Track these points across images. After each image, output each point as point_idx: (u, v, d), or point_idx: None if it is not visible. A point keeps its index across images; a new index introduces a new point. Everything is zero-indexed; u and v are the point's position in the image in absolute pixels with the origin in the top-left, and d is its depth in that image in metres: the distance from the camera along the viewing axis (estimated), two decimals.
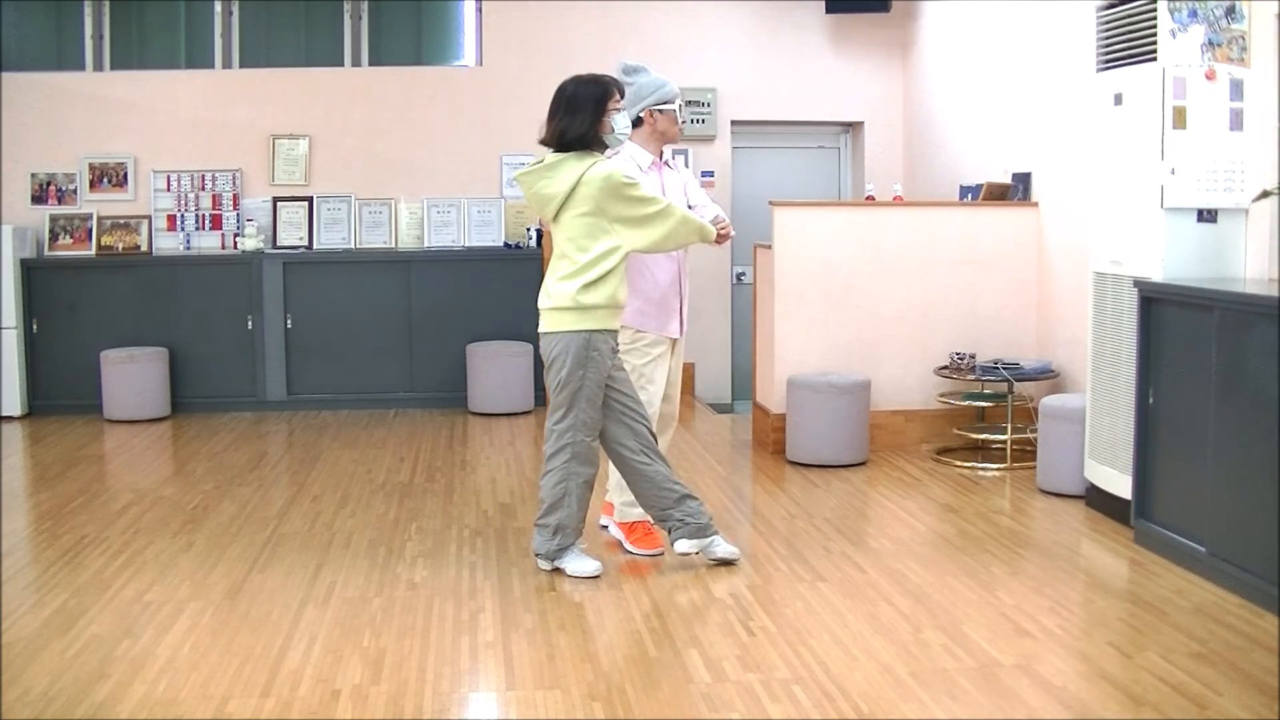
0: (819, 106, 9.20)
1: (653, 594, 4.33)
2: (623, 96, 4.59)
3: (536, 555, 4.59)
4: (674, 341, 4.99)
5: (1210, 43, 4.83)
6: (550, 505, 4.53)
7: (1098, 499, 5.35)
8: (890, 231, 6.80)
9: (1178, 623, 3.97)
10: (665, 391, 4.97)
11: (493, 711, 3.44)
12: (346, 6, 8.92)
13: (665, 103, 4.88)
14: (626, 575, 4.55)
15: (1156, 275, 4.87)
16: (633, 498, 4.81)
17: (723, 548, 4.64)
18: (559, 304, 4.46)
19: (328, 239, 8.71)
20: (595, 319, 4.45)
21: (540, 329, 4.57)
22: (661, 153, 4.97)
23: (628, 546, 4.82)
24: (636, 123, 4.88)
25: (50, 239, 8.54)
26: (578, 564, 4.53)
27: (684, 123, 5.06)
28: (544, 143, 4.54)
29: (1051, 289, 6.73)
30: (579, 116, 4.46)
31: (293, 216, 8.72)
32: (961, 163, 7.97)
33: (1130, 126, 5.03)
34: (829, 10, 8.96)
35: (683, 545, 4.59)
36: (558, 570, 4.55)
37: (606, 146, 4.55)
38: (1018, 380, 6.27)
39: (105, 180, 8.68)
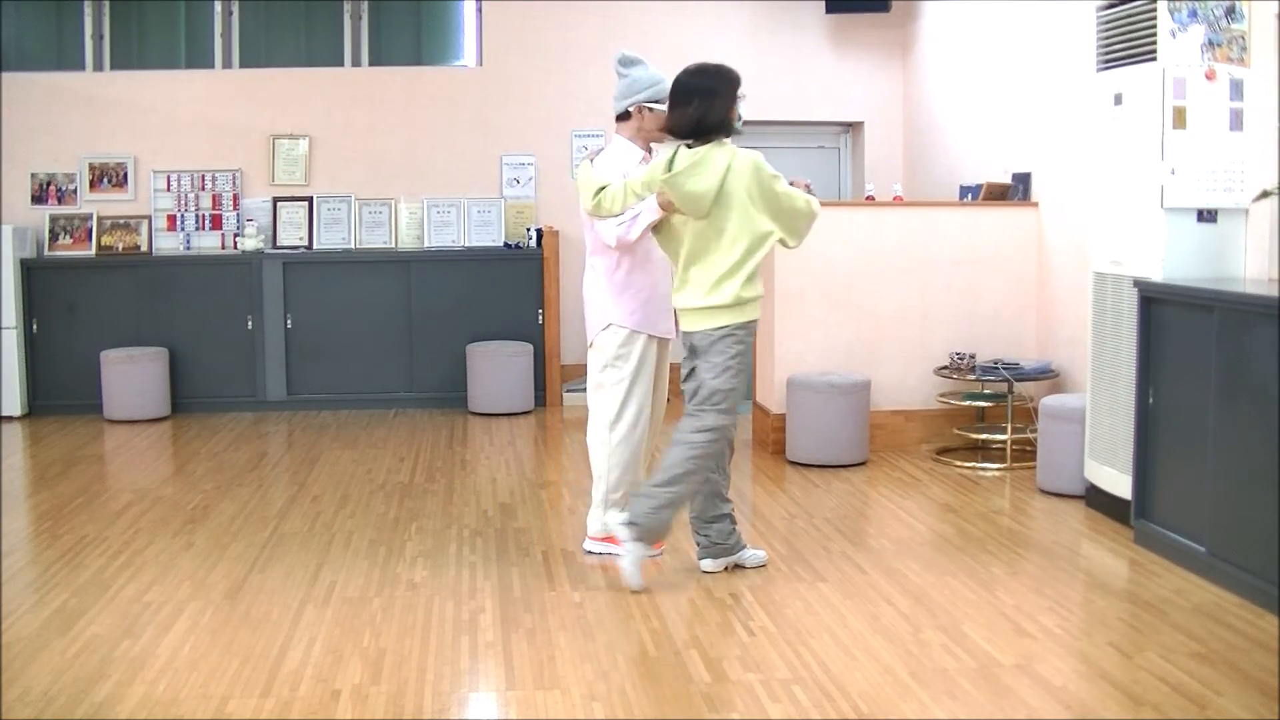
0: (819, 106, 9.20)
1: (653, 594, 4.33)
2: (739, 85, 4.52)
3: (631, 524, 4.34)
4: (666, 342, 4.94)
5: (1210, 43, 4.83)
6: (673, 477, 4.36)
7: (1098, 499, 5.35)
8: (890, 231, 6.80)
9: (1178, 623, 3.97)
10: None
11: (493, 711, 3.44)
12: (346, 6, 8.92)
13: (658, 101, 4.71)
14: None
15: (1156, 275, 4.87)
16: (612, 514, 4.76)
17: (750, 558, 4.62)
18: (720, 302, 4.35)
19: (328, 239, 8.71)
20: (751, 311, 4.43)
21: (691, 327, 4.44)
22: (650, 149, 4.82)
23: (622, 553, 4.75)
24: (625, 116, 4.78)
25: (50, 239, 8.54)
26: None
27: None
28: (675, 131, 4.44)
29: (1051, 289, 6.73)
30: (717, 101, 4.37)
31: (293, 216, 8.72)
32: (961, 163, 7.97)
33: (1130, 126, 5.03)
34: (829, 10, 8.96)
35: (706, 564, 4.57)
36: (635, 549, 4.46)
37: (736, 134, 4.48)
38: (1018, 380, 6.27)
39: (105, 180, 8.68)
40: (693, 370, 4.48)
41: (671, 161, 4.39)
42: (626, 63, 4.80)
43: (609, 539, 4.76)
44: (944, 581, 4.44)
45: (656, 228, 4.53)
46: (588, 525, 4.88)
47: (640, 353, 4.76)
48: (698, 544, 4.59)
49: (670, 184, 4.35)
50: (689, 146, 4.42)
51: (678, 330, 4.90)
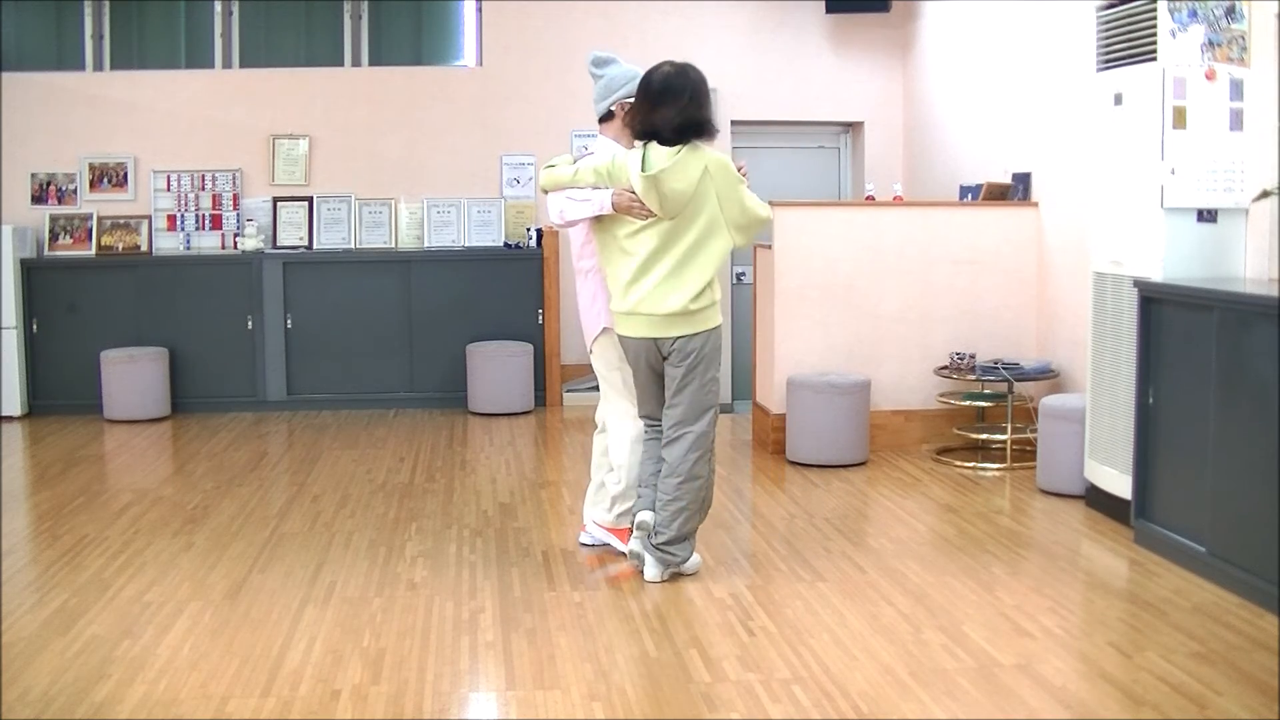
0: (819, 106, 9.20)
1: (653, 594, 4.33)
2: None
3: (669, 567, 4.43)
4: None
5: (1210, 43, 4.83)
6: (696, 512, 4.44)
7: (1098, 499, 5.35)
8: (890, 231, 6.80)
9: (1178, 623, 3.97)
10: None
11: (493, 711, 3.44)
12: (346, 6, 8.92)
13: None
14: (626, 575, 4.55)
15: (1156, 275, 4.87)
16: (624, 508, 4.74)
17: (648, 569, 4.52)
18: (708, 303, 4.37)
19: (328, 239, 8.71)
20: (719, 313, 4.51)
21: (677, 331, 4.36)
22: (633, 148, 4.74)
23: (621, 547, 4.75)
24: (607, 116, 4.75)
25: (50, 239, 8.54)
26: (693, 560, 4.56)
27: None
28: (659, 129, 4.29)
29: (1051, 289, 6.73)
30: (707, 102, 4.36)
31: (293, 216, 8.72)
32: (961, 163, 7.97)
33: (1130, 126, 5.03)
34: (829, 10, 8.96)
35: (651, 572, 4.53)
36: (678, 574, 4.48)
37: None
38: (1018, 380, 6.27)
39: (105, 180, 8.68)
40: (683, 378, 4.40)
41: (645, 161, 4.31)
42: (600, 63, 4.77)
43: (615, 530, 4.79)
44: (944, 581, 4.44)
45: (600, 223, 4.49)
46: (594, 513, 4.86)
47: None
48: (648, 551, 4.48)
49: (654, 181, 4.25)
50: (668, 145, 4.30)
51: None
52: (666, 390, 4.47)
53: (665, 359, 4.43)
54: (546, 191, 4.65)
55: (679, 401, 4.42)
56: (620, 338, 4.55)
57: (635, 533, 4.47)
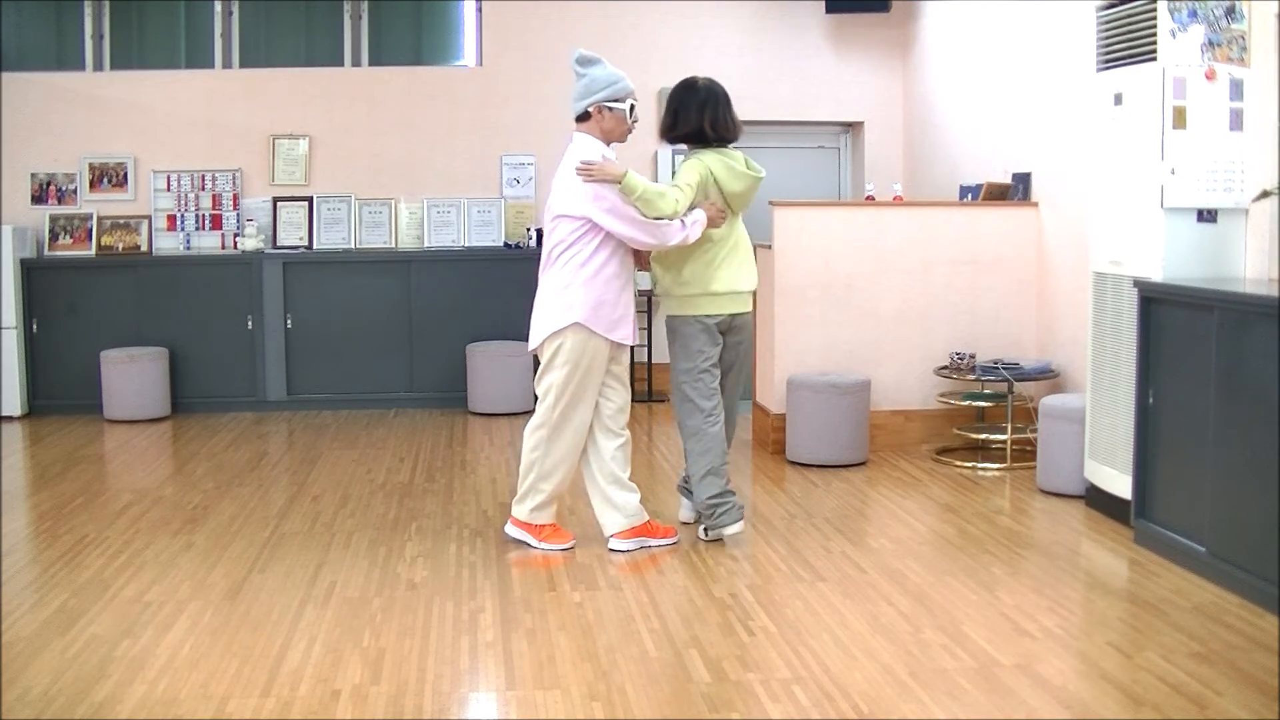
0: (819, 106, 9.20)
1: (653, 594, 4.33)
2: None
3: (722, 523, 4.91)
4: (623, 348, 4.90)
5: (1210, 43, 4.83)
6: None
7: (1098, 499, 5.35)
8: (890, 231, 6.80)
9: (1178, 623, 3.98)
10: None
11: (493, 711, 3.44)
12: (346, 6, 8.92)
13: (616, 100, 4.73)
14: (626, 575, 4.56)
15: (1156, 275, 4.87)
16: (537, 503, 4.84)
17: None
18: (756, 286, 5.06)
19: (328, 239, 8.71)
20: None
21: (746, 307, 5.00)
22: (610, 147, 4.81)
23: (538, 544, 4.84)
24: (584, 116, 4.76)
25: (50, 239, 8.54)
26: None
27: (634, 123, 4.83)
28: (728, 138, 4.97)
29: (1051, 289, 6.73)
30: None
31: (293, 216, 8.72)
32: (961, 163, 7.97)
33: (1130, 126, 5.03)
34: (829, 10, 8.96)
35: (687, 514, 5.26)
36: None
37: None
38: (1018, 380, 6.27)
39: (105, 180, 8.68)
40: (745, 346, 5.08)
41: (745, 162, 4.94)
42: (584, 62, 4.77)
43: (525, 526, 4.89)
44: (944, 581, 4.44)
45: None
46: (512, 509, 4.96)
47: (592, 356, 4.75)
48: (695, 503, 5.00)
49: (757, 181, 4.93)
50: (723, 145, 4.96)
51: (635, 334, 4.90)
52: (725, 359, 5.01)
53: (724, 333, 4.95)
54: (673, 216, 4.71)
55: (745, 368, 5.13)
56: (699, 318, 4.87)
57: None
